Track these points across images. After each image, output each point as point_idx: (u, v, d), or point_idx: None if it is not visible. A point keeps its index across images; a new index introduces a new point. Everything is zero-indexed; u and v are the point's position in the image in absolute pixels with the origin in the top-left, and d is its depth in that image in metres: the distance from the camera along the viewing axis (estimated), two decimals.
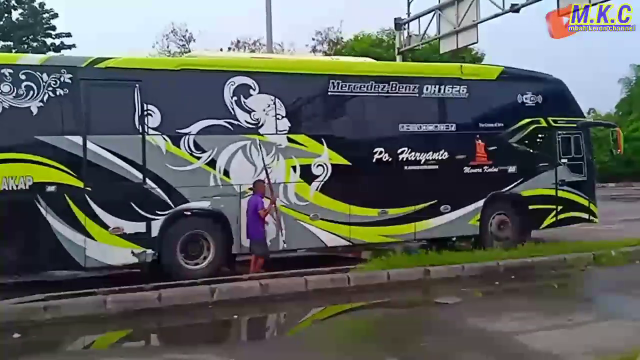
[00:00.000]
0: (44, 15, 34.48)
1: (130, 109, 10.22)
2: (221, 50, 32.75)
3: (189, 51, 32.24)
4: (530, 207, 13.28)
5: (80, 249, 9.85)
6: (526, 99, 13.45)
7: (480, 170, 12.79)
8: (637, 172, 44.11)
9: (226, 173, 10.80)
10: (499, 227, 13.13)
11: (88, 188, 9.90)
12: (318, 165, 11.46)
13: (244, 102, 10.98)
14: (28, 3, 34.10)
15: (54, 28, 34.73)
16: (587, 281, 11.34)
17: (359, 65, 12.87)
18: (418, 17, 21.62)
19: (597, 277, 11.35)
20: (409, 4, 22.07)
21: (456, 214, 12.57)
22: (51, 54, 30.13)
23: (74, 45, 34.43)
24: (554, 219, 13.56)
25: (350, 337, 8.07)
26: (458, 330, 7.83)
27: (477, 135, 12.82)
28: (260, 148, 11.06)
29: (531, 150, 13.40)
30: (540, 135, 13.53)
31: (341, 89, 11.79)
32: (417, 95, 12.45)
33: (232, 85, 10.91)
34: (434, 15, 20.72)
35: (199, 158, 10.61)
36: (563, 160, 13.69)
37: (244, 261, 11.33)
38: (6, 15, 33.88)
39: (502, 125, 13.14)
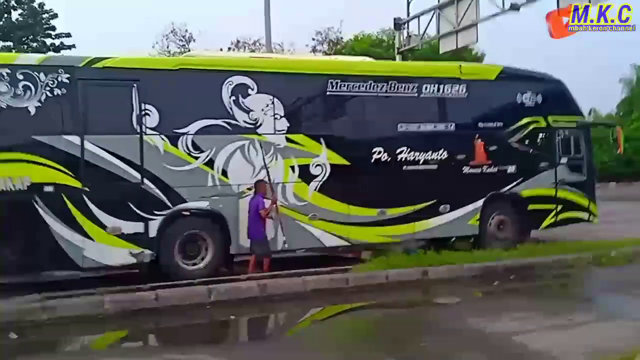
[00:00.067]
0: (44, 16, 34.40)
1: (128, 108, 10.19)
2: (221, 50, 32.69)
3: (189, 51, 32.18)
4: (530, 207, 13.25)
5: (78, 250, 9.83)
6: (526, 98, 13.42)
7: (479, 170, 12.76)
8: (637, 172, 44.02)
9: (224, 173, 10.77)
10: (499, 227, 13.11)
11: (86, 188, 9.87)
12: (317, 165, 11.44)
13: (242, 102, 10.95)
14: (28, 3, 34.05)
15: (53, 28, 34.68)
16: (586, 281, 11.31)
17: (358, 65, 12.83)
18: (418, 16, 21.60)
19: (597, 277, 11.32)
20: (408, 3, 22.05)
21: (455, 214, 12.55)
22: (51, 54, 30.10)
23: (73, 46, 34.37)
24: (554, 219, 13.53)
25: (349, 338, 8.03)
26: (457, 330, 7.79)
27: (477, 135, 12.79)
28: (259, 148, 11.03)
29: (531, 150, 13.36)
30: (539, 135, 13.50)
31: (340, 88, 11.76)
32: (416, 95, 12.42)
33: (230, 85, 10.88)
34: (433, 14, 20.70)
35: (197, 158, 10.58)
36: (563, 160, 13.66)
37: (242, 261, 11.31)
38: (6, 15, 33.84)
39: (502, 125, 13.11)
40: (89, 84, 10.00)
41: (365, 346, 7.45)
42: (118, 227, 10.07)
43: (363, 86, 11.95)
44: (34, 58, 10.41)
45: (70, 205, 9.78)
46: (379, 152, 11.93)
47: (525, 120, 13.32)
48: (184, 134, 10.50)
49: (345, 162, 11.64)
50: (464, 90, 12.80)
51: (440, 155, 12.44)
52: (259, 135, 11.07)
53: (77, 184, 9.83)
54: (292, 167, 11.29)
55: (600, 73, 69.07)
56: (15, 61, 9.93)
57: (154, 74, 10.55)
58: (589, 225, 14.20)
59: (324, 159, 11.49)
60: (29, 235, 9.65)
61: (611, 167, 40.36)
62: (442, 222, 12.46)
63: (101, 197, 9.96)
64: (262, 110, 11.11)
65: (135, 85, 10.24)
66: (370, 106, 12.14)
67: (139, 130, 10.23)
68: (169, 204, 10.40)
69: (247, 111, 10.99)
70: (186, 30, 40.46)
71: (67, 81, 9.83)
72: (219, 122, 10.80)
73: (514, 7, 17.65)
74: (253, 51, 34.69)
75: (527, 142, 13.32)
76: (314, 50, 40.60)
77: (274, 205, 10.76)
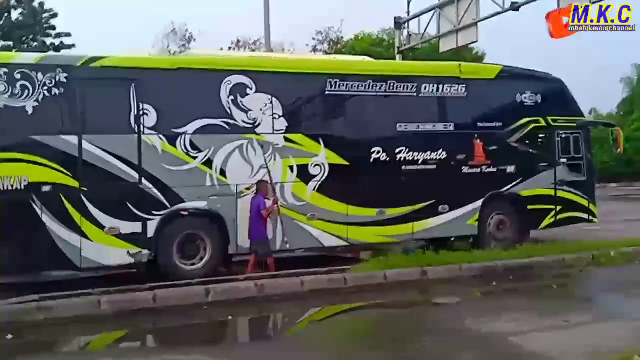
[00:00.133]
0: (44, 15, 34.34)
1: (126, 108, 10.17)
2: (221, 49, 32.66)
3: (189, 51, 32.16)
4: (529, 207, 13.22)
5: (76, 250, 9.82)
6: (525, 98, 13.39)
7: (478, 170, 12.73)
8: (638, 172, 43.91)
9: (223, 173, 10.75)
10: (498, 227, 13.08)
11: (84, 188, 9.86)
12: (315, 165, 11.41)
13: (241, 102, 10.93)
14: (28, 3, 34.00)
15: (53, 28, 34.57)
16: (586, 281, 11.28)
17: (357, 65, 12.81)
18: (418, 16, 21.63)
19: (596, 277, 11.29)
20: (408, 3, 22.11)
21: (455, 214, 12.52)
22: (51, 53, 30.06)
23: (74, 45, 34.25)
24: (553, 219, 13.49)
25: (347, 338, 8.02)
26: (456, 331, 7.76)
27: (476, 135, 12.76)
28: (258, 148, 11.01)
29: (530, 150, 13.33)
30: (539, 135, 13.47)
31: (339, 88, 11.73)
32: (415, 94, 12.39)
33: (228, 84, 10.86)
34: (434, 14, 20.75)
35: (195, 158, 10.56)
36: (562, 160, 13.62)
37: (241, 261, 11.28)
38: (6, 15, 33.78)
39: (501, 124, 13.08)
40: (86, 84, 9.98)
41: (363, 346, 7.42)
42: (116, 227, 10.05)
43: (362, 86, 11.92)
44: (31, 57, 10.36)
45: (68, 205, 9.77)
46: (378, 152, 11.90)
47: (524, 120, 13.28)
48: (182, 133, 10.48)
49: (344, 162, 11.61)
50: (464, 90, 12.76)
51: (440, 155, 12.41)
52: (258, 135, 11.04)
53: (75, 184, 9.81)
54: (291, 167, 11.26)
55: (601, 73, 68.95)
56: (13, 60, 9.91)
57: (152, 74, 10.52)
58: (588, 225, 14.18)
59: (322, 158, 11.46)
60: (27, 236, 9.63)
61: (612, 167, 40.23)
62: (441, 222, 12.43)
63: (99, 197, 9.94)
64: (261, 109, 11.08)
65: (133, 84, 10.21)
66: (370, 106, 12.12)
67: (136, 130, 10.21)
68: (167, 204, 10.38)
69: (246, 111, 10.97)
70: (186, 30, 40.54)
71: (65, 81, 9.80)
72: (218, 121, 10.78)
73: (514, 7, 17.66)
74: (254, 51, 34.70)
75: (526, 142, 13.28)
76: (314, 49, 40.60)
77: (276, 206, 10.74)
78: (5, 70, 9.52)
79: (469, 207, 12.66)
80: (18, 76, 9.54)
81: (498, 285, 10.52)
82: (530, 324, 7.90)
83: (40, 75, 9.66)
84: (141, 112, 10.22)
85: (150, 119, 10.28)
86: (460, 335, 7.56)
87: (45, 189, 9.65)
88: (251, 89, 11.01)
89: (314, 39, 41.67)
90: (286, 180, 11.20)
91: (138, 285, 9.25)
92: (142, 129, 10.23)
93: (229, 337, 8.68)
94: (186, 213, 10.60)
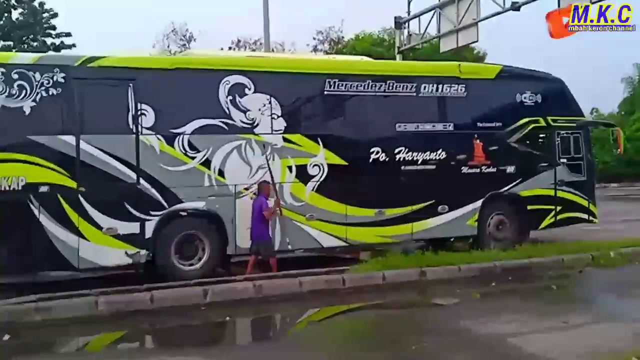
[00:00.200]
0: (44, 15, 34.42)
1: (124, 108, 10.15)
2: (222, 49, 32.66)
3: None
4: (529, 207, 13.18)
5: (73, 250, 9.81)
6: (525, 98, 13.36)
7: (478, 170, 12.70)
8: (638, 172, 43.90)
9: (221, 173, 10.73)
10: (498, 227, 13.04)
11: (81, 188, 9.84)
12: (314, 165, 11.38)
13: (239, 102, 10.91)
14: (28, 3, 34.05)
15: (54, 28, 34.67)
16: (585, 282, 11.23)
17: (356, 64, 12.81)
18: (418, 15, 21.60)
19: (596, 278, 11.24)
20: (409, 2, 22.09)
21: (454, 214, 12.49)
22: (49, 53, 30.09)
23: (74, 45, 34.36)
24: (553, 219, 13.46)
25: (345, 338, 7.99)
26: (454, 331, 7.74)
27: (476, 135, 12.73)
28: (256, 148, 10.98)
29: (530, 150, 13.30)
30: (539, 135, 13.45)
31: (338, 88, 11.70)
32: (414, 94, 12.36)
33: (227, 84, 10.84)
34: (434, 14, 20.71)
35: (193, 158, 10.54)
36: (562, 160, 13.59)
37: (239, 262, 11.26)
38: (6, 14, 33.83)
39: (501, 124, 13.04)
40: (84, 84, 9.96)
41: (362, 347, 7.41)
42: (114, 227, 10.03)
43: (361, 86, 11.89)
44: (29, 57, 10.34)
45: (65, 206, 9.75)
46: (377, 152, 11.87)
47: (524, 120, 13.24)
48: (180, 133, 10.45)
49: (343, 162, 11.58)
50: (463, 90, 12.73)
51: (439, 155, 12.38)
52: (256, 135, 11.01)
53: (72, 184, 9.79)
54: (290, 167, 11.23)
55: (601, 73, 69.03)
56: (10, 60, 9.87)
57: (150, 74, 10.49)
58: (588, 225, 14.14)
59: (321, 159, 11.44)
60: (25, 236, 9.61)
61: (612, 167, 40.25)
62: (440, 223, 12.39)
63: (97, 198, 9.92)
64: (259, 110, 11.06)
65: (131, 84, 10.19)
66: (369, 106, 12.09)
67: (134, 130, 10.19)
68: (165, 204, 10.36)
69: (244, 111, 10.95)
70: (187, 30, 40.57)
71: (63, 80, 9.79)
72: (216, 121, 10.75)
73: (515, 7, 17.62)
74: (254, 50, 34.69)
75: (526, 142, 13.25)
76: (315, 49, 40.59)
77: (278, 207, 10.73)
78: (3, 70, 9.50)
79: (468, 207, 12.63)
80: (15, 76, 9.53)
81: (497, 286, 10.49)
82: (530, 324, 7.87)
83: (37, 75, 9.65)
84: (139, 112, 10.20)
85: (148, 119, 10.26)
86: (459, 336, 7.53)
87: (43, 189, 9.63)
88: (250, 89, 10.98)
89: (314, 38, 41.74)
90: (285, 181, 11.16)
91: (136, 286, 9.22)
92: (140, 129, 10.21)
93: (227, 338, 8.65)
94: (184, 213, 10.57)
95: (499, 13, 18.26)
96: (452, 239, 13.01)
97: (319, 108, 12.03)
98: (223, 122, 10.79)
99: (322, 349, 7.30)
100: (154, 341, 8.39)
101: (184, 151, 10.47)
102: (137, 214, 10.17)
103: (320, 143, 11.44)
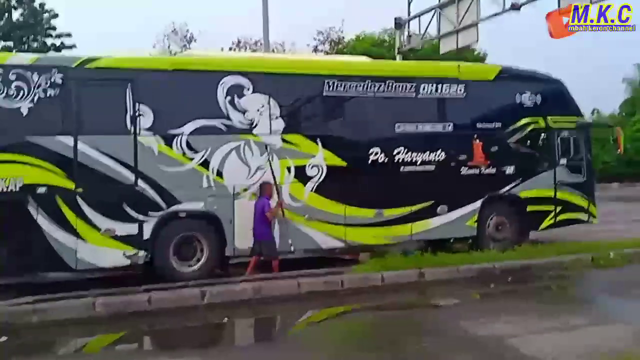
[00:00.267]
0: (44, 16, 34.40)
1: (122, 109, 10.13)
2: (222, 50, 32.68)
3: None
4: (529, 208, 13.14)
5: (71, 251, 9.80)
6: (525, 98, 13.31)
7: (477, 170, 12.66)
8: (639, 172, 43.83)
9: (219, 174, 10.70)
10: (497, 228, 13.00)
11: (79, 189, 9.82)
12: (313, 166, 11.36)
13: (238, 102, 10.89)
14: (28, 3, 34.04)
15: (54, 28, 34.64)
16: (584, 283, 11.20)
17: (355, 65, 12.78)
18: (418, 16, 21.56)
19: (595, 279, 11.21)
20: (409, 3, 22.03)
21: (453, 215, 12.45)
22: (51, 54, 30.10)
23: (74, 46, 34.32)
24: (553, 220, 13.43)
25: (343, 340, 7.96)
26: (453, 332, 7.71)
27: (475, 136, 12.69)
28: (255, 148, 10.96)
29: (529, 151, 13.26)
30: (538, 136, 13.40)
31: (336, 88, 11.67)
32: (413, 95, 12.32)
33: (225, 85, 10.81)
34: (434, 14, 20.66)
35: (191, 159, 10.52)
36: (562, 161, 13.55)
37: (238, 263, 11.26)
38: (6, 15, 33.82)
39: (500, 125, 13.00)
40: (82, 84, 9.95)
41: (360, 348, 7.38)
42: (112, 228, 10.01)
43: (360, 86, 11.86)
44: (26, 58, 10.34)
45: (63, 207, 9.74)
46: (376, 153, 11.85)
47: (524, 121, 13.21)
48: (178, 134, 10.43)
49: (341, 162, 11.56)
50: (463, 90, 12.69)
51: (438, 155, 12.35)
52: (255, 135, 10.99)
53: (70, 185, 9.78)
54: (288, 168, 11.21)
55: (601, 73, 68.97)
56: (7, 61, 9.85)
57: (148, 74, 10.47)
58: (588, 225, 14.10)
59: (320, 159, 11.41)
60: (22, 237, 9.59)
61: (613, 167, 40.22)
62: (439, 223, 12.36)
63: (95, 199, 9.90)
64: (258, 110, 11.03)
65: (129, 85, 10.16)
66: (368, 106, 12.04)
67: (132, 131, 10.17)
68: (163, 205, 10.34)
69: (243, 111, 10.92)
70: (187, 30, 40.55)
71: (60, 81, 9.78)
72: (214, 122, 10.73)
73: (515, 7, 17.59)
74: (254, 51, 34.67)
75: (526, 142, 13.21)
76: (315, 50, 40.56)
77: (280, 207, 10.73)
78: (0, 71, 9.50)
79: (467, 208, 12.59)
80: (13, 77, 9.52)
81: (496, 287, 10.46)
82: (529, 325, 7.83)
83: (35, 76, 9.63)
84: (137, 113, 10.18)
85: (147, 119, 10.24)
86: (458, 337, 7.50)
87: (41, 190, 9.62)
88: (248, 89, 10.96)
89: (314, 39, 41.69)
90: (283, 181, 11.13)
91: (133, 287, 9.22)
92: (138, 130, 10.19)
93: (226, 339, 8.59)
94: (182, 214, 10.55)
95: (499, 13, 18.22)
96: (451, 240, 12.96)
97: (317, 108, 11.98)
98: (221, 123, 10.77)
99: (320, 350, 7.28)
100: (152, 343, 8.39)
101: (182, 152, 10.45)
102: (135, 215, 10.15)
103: (319, 143, 11.42)
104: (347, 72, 12.03)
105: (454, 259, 11.27)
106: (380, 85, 12.02)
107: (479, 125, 12.82)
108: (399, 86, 12.18)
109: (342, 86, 11.69)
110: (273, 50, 33.72)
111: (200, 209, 10.62)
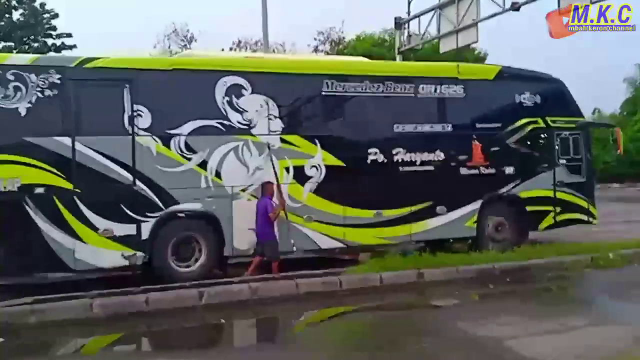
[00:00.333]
0: (45, 16, 34.43)
1: (120, 109, 10.10)
2: (222, 50, 32.68)
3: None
4: (528, 208, 13.11)
5: (69, 252, 9.78)
6: (524, 99, 13.29)
7: (477, 171, 12.63)
8: None
9: (218, 174, 10.68)
10: (496, 228, 12.95)
11: (77, 190, 9.80)
12: (312, 166, 11.33)
13: (236, 102, 10.85)
14: (29, 3, 34.06)
15: (54, 28, 34.67)
16: (583, 284, 11.16)
17: (354, 65, 12.75)
18: (418, 16, 21.55)
19: (594, 280, 11.17)
20: (409, 3, 22.06)
21: (453, 215, 12.42)
22: (52, 54, 30.13)
23: (74, 46, 34.35)
24: (553, 220, 13.38)
25: (341, 340, 7.96)
26: (452, 333, 7.71)
27: (474, 136, 12.66)
28: (254, 149, 10.94)
29: (529, 151, 13.23)
30: (538, 136, 13.38)
31: (335, 88, 11.65)
32: (413, 95, 12.30)
33: (223, 85, 10.79)
34: (434, 14, 20.64)
35: (190, 159, 10.49)
36: (562, 161, 13.51)
37: (236, 264, 11.23)
38: (7, 15, 33.85)
39: (500, 125, 12.98)
40: (80, 85, 9.92)
41: (358, 349, 7.39)
42: (110, 229, 9.99)
43: (359, 86, 11.84)
44: (24, 58, 10.33)
45: (61, 207, 9.71)
46: (375, 153, 11.82)
47: (523, 121, 13.18)
48: (176, 135, 10.41)
49: (340, 163, 11.53)
50: (462, 91, 12.67)
51: (437, 156, 12.32)
52: (253, 136, 10.97)
53: (68, 186, 9.76)
54: (287, 168, 11.18)
55: (601, 73, 68.98)
56: (5, 61, 9.81)
57: (146, 75, 10.42)
58: (588, 226, 14.06)
59: (319, 160, 11.39)
60: (20, 238, 9.58)
61: (614, 167, 40.15)
62: (439, 224, 12.32)
63: (93, 199, 9.88)
64: (256, 110, 11.01)
65: (127, 85, 10.14)
66: (367, 106, 12.01)
67: (131, 132, 10.14)
68: (161, 205, 10.32)
69: (241, 112, 10.89)
70: (187, 31, 40.57)
71: (59, 82, 9.75)
72: (213, 122, 10.70)
73: (515, 7, 17.57)
74: (255, 51, 34.67)
75: (525, 143, 13.18)
76: (315, 50, 40.56)
77: (282, 207, 10.74)
78: None
79: (467, 208, 12.56)
80: (11, 77, 9.49)
81: (495, 288, 10.42)
82: (528, 326, 7.84)
83: (33, 77, 9.61)
84: (135, 113, 10.15)
85: (145, 120, 10.21)
86: (457, 338, 7.50)
87: (39, 190, 9.59)
88: (247, 89, 10.94)
89: (315, 39, 41.69)
90: (282, 182, 11.09)
91: (131, 288, 9.20)
92: (136, 131, 10.17)
93: (223, 340, 8.56)
94: (181, 215, 10.53)
95: (498, 13, 18.20)
96: (451, 241, 12.93)
97: (316, 109, 11.93)
98: (220, 123, 10.74)
99: (319, 350, 7.28)
100: (150, 343, 8.37)
101: (180, 152, 10.42)
102: (134, 215, 10.13)
103: (318, 144, 11.40)
104: (346, 72, 12.01)
105: (453, 259, 11.22)
106: (379, 86, 12.00)
107: (478, 125, 12.79)
108: (398, 86, 12.16)
109: (341, 86, 11.68)
110: (273, 51, 33.74)
111: (198, 209, 10.59)
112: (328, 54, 38.00)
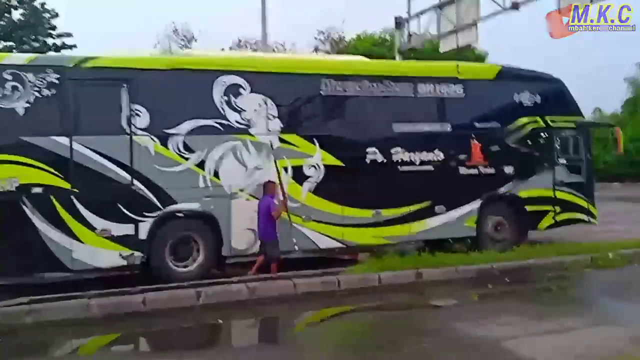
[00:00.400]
0: (45, 15, 34.37)
1: (118, 109, 10.09)
2: (223, 50, 32.65)
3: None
4: (528, 208, 13.07)
5: (67, 252, 9.77)
6: (524, 98, 13.26)
7: (476, 170, 12.60)
8: None
9: (216, 174, 10.66)
10: (496, 228, 12.92)
11: (75, 190, 9.78)
12: (310, 166, 11.31)
13: (235, 102, 10.83)
14: (29, 3, 34.01)
15: (55, 28, 34.61)
16: (583, 284, 11.13)
17: (353, 64, 12.71)
18: (418, 15, 21.51)
19: (594, 280, 11.15)
20: (409, 2, 21.95)
21: (452, 215, 12.39)
22: (52, 54, 30.08)
23: (75, 46, 34.27)
24: (552, 220, 13.35)
25: (340, 341, 7.95)
26: (450, 334, 7.69)
27: (474, 136, 12.63)
28: (252, 148, 10.91)
29: (529, 151, 13.20)
30: (538, 136, 13.33)
31: (334, 88, 11.63)
32: (412, 94, 12.27)
33: (222, 84, 10.77)
34: (434, 14, 20.59)
35: (188, 159, 10.47)
36: (561, 161, 13.49)
37: (235, 263, 11.20)
38: (7, 15, 33.80)
39: (500, 125, 12.95)
40: (78, 84, 9.90)
41: (357, 349, 7.38)
42: (108, 229, 9.97)
43: (358, 86, 11.82)
44: (22, 58, 10.29)
45: (59, 207, 9.70)
46: (374, 153, 11.79)
47: (523, 121, 13.16)
48: (174, 134, 10.39)
49: (339, 162, 11.50)
50: (462, 90, 12.64)
51: (437, 155, 12.29)
52: (252, 135, 10.94)
53: (66, 185, 9.74)
54: (285, 168, 11.14)
55: (601, 73, 68.82)
56: (3, 61, 9.80)
57: (144, 74, 10.39)
58: (588, 226, 14.03)
59: (317, 159, 11.36)
60: (18, 237, 9.56)
61: (614, 167, 40.06)
62: (438, 224, 12.29)
63: (90, 199, 9.87)
64: (255, 110, 10.98)
65: (125, 85, 10.13)
66: (366, 106, 11.99)
67: (128, 131, 10.12)
68: (159, 205, 10.30)
69: (239, 111, 10.87)
70: (187, 30, 40.53)
71: (56, 81, 9.73)
72: (211, 122, 10.68)
73: (515, 6, 17.54)
74: (255, 51, 34.63)
75: (525, 142, 13.16)
76: (316, 49, 40.52)
77: (285, 206, 10.72)
78: None
79: (466, 208, 12.53)
80: (8, 77, 9.48)
81: (495, 288, 10.39)
82: (527, 327, 7.82)
83: (31, 76, 9.60)
84: (133, 113, 10.13)
85: (143, 119, 10.19)
86: (457, 338, 7.48)
87: (36, 190, 9.59)
88: (245, 89, 10.91)
89: (315, 38, 41.64)
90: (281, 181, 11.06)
91: (129, 288, 9.17)
92: (134, 130, 10.14)
93: (221, 340, 8.55)
94: (179, 215, 10.51)
95: (498, 13, 18.17)
96: (450, 240, 12.88)
97: (315, 108, 11.89)
98: (218, 123, 10.72)
99: (318, 350, 7.29)
100: (147, 344, 8.35)
101: (178, 152, 10.40)
102: (131, 215, 10.11)
103: (317, 143, 11.37)
104: (345, 71, 11.97)
105: (453, 259, 11.20)
106: (379, 85, 11.97)
107: (478, 125, 12.76)
108: (397, 86, 12.14)
109: (340, 86, 11.66)
110: (273, 50, 33.69)
111: (196, 209, 10.57)
112: (328, 53, 37.95)
